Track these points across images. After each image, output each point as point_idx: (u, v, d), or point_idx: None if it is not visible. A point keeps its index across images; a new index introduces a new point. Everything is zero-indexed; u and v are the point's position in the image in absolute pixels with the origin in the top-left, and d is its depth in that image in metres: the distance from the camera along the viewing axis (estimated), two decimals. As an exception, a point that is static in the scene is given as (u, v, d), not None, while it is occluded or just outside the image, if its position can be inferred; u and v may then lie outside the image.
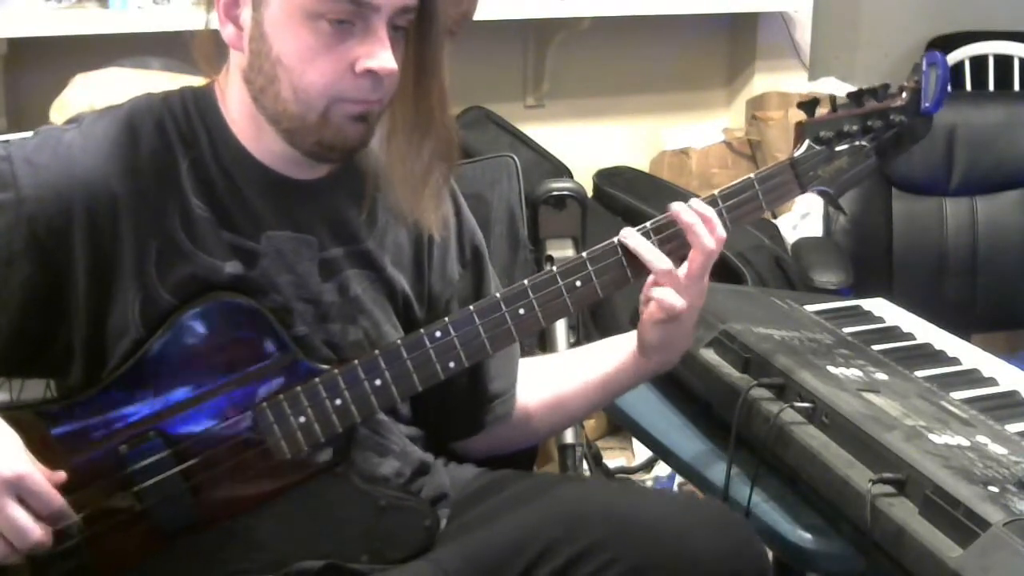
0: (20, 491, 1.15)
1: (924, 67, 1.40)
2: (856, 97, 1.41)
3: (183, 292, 1.26)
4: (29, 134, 1.29)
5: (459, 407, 1.46)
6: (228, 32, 1.26)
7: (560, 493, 1.31)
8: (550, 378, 1.50)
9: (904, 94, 1.41)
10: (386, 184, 1.35)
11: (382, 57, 1.21)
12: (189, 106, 1.30)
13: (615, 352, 1.46)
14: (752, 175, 1.37)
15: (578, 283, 1.32)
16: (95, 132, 1.27)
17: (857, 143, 1.40)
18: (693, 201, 1.33)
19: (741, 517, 1.35)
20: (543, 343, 2.22)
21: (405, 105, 1.29)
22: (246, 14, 1.24)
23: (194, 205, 1.27)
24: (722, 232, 1.33)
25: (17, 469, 1.15)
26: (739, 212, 1.36)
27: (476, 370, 1.43)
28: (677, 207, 1.33)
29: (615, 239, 1.33)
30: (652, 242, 1.32)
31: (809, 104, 1.40)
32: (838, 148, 1.39)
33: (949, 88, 1.40)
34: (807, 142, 1.39)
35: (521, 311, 1.30)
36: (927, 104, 1.40)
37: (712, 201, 1.35)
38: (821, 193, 1.40)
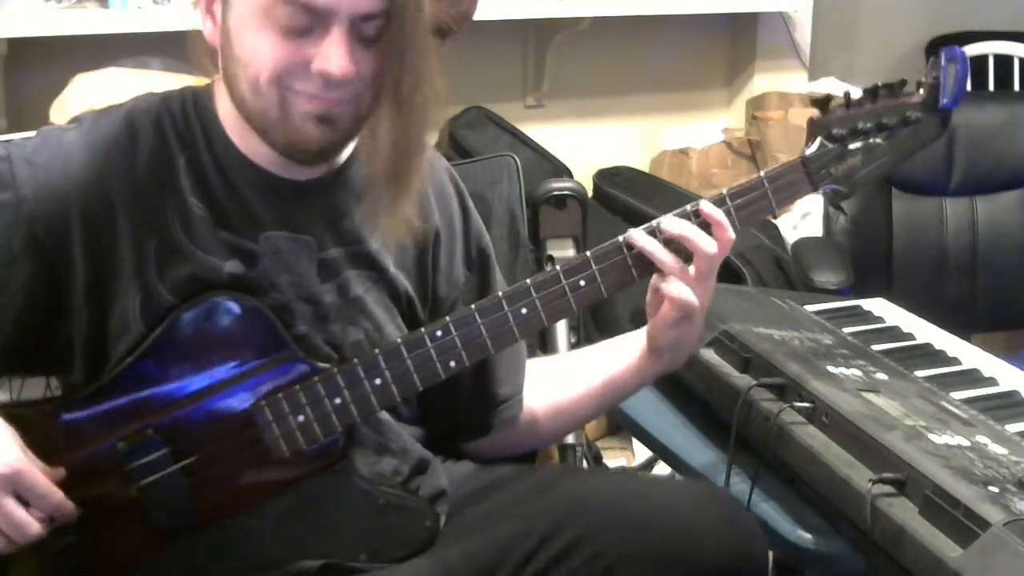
0: (16, 487, 1.16)
1: (943, 62, 1.35)
2: (871, 94, 1.37)
3: (183, 291, 1.26)
4: (30, 134, 1.29)
5: (466, 411, 1.45)
6: (207, 28, 1.26)
7: (557, 486, 1.31)
8: (558, 382, 1.49)
9: (921, 90, 1.37)
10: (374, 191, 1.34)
11: (334, 58, 1.19)
12: (188, 106, 1.30)
13: (623, 354, 1.44)
14: (762, 174, 1.34)
15: (582, 283, 1.30)
16: (94, 132, 1.27)
17: (871, 141, 1.36)
18: (702, 203, 1.31)
19: (738, 502, 1.34)
20: (544, 344, 2.22)
21: (380, 117, 1.25)
22: (218, 9, 1.24)
23: (192, 204, 1.27)
24: (731, 234, 1.30)
25: (13, 465, 1.15)
26: (748, 212, 1.33)
27: (483, 374, 1.42)
28: (666, 223, 1.30)
29: (620, 238, 1.31)
30: (659, 240, 1.30)
31: (822, 101, 1.37)
32: (851, 146, 1.36)
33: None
34: (819, 139, 1.35)
35: (524, 310, 1.29)
36: (945, 100, 1.36)
37: (720, 200, 1.32)
38: (833, 192, 1.36)
